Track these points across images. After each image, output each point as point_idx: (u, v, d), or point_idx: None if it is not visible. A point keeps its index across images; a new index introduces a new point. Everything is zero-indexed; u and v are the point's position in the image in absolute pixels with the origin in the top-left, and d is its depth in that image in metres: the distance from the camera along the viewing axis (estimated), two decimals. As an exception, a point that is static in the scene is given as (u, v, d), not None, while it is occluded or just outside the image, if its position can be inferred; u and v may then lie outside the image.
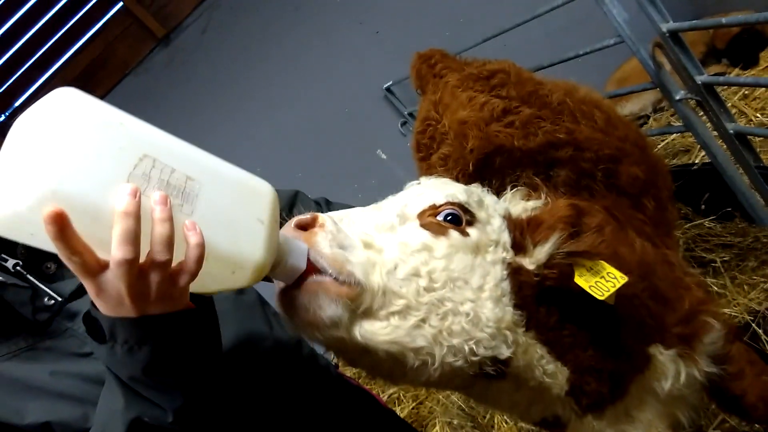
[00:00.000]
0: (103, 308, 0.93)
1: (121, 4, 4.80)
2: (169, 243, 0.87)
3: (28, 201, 0.79)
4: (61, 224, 0.79)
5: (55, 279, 1.39)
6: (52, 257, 1.36)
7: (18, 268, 1.33)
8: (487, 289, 1.21)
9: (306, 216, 1.14)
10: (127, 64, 4.90)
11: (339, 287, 1.09)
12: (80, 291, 1.37)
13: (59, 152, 0.81)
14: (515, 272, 1.27)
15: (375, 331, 1.12)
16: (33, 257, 1.36)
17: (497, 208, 1.38)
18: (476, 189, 1.42)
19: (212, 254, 0.93)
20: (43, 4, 4.73)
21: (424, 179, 1.43)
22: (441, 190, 1.33)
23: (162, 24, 4.85)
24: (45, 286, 1.35)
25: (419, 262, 1.16)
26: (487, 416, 3.24)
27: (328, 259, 1.10)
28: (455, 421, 3.34)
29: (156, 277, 0.90)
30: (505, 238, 1.30)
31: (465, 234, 1.24)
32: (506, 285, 1.24)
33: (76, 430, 1.26)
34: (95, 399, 1.22)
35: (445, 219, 1.26)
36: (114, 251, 0.84)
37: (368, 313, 1.12)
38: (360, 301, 1.10)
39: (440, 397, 3.69)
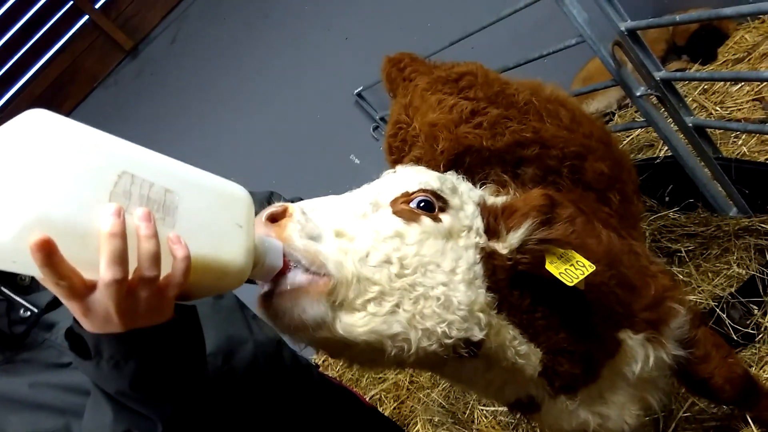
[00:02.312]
0: (89, 326, 0.92)
1: (86, 17, 4.75)
2: (156, 259, 0.87)
3: (12, 230, 0.76)
4: (48, 251, 0.77)
5: (30, 291, 1.37)
6: None
7: None
8: (460, 272, 1.23)
9: (276, 208, 1.16)
10: (96, 77, 4.83)
11: (316, 286, 1.11)
12: (56, 302, 1.36)
13: (38, 177, 0.79)
14: (489, 256, 1.30)
15: (353, 323, 1.14)
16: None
17: (471, 195, 1.41)
18: (450, 176, 1.44)
19: (197, 263, 0.93)
20: (6, 19, 4.65)
21: (399, 167, 1.45)
22: (415, 177, 1.35)
23: (129, 36, 4.80)
24: (20, 298, 1.34)
25: (391, 248, 1.19)
26: (467, 412, 3.28)
27: (300, 251, 1.12)
28: (436, 419, 3.37)
29: (144, 292, 0.90)
30: (478, 223, 1.33)
31: (437, 220, 1.27)
32: (479, 269, 1.27)
33: None
34: (76, 409, 1.21)
35: (417, 206, 1.28)
36: (103, 272, 0.84)
37: (345, 304, 1.14)
38: (336, 294, 1.13)
39: (421, 395, 3.73)
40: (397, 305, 1.17)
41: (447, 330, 1.20)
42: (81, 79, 4.82)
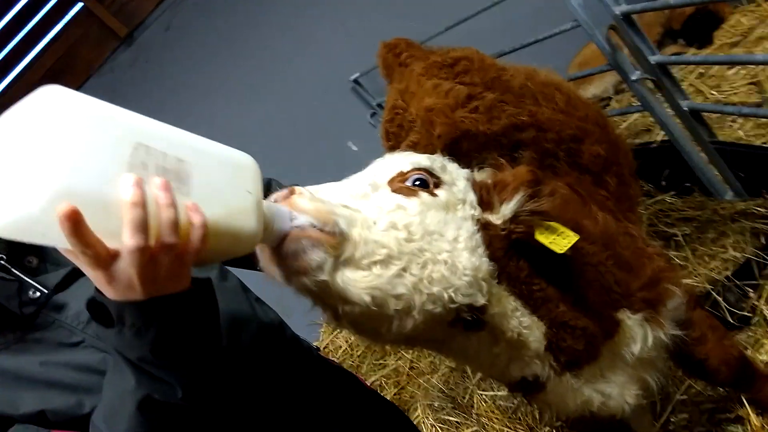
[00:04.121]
0: (112, 294, 0.96)
1: (81, 4, 4.73)
2: (175, 226, 0.92)
3: (40, 202, 0.80)
4: (75, 221, 0.82)
5: (38, 273, 1.40)
6: (34, 251, 1.39)
7: (2, 261, 1.34)
8: (462, 240, 1.28)
9: (282, 191, 1.20)
10: (91, 64, 4.84)
11: (321, 234, 1.14)
12: (65, 283, 1.39)
13: (60, 150, 0.83)
14: (484, 227, 1.35)
15: (357, 279, 1.17)
16: (14, 252, 1.37)
17: (460, 173, 1.45)
18: (438, 157, 1.49)
19: (212, 230, 0.98)
20: (-1, 8, 4.65)
21: (388, 154, 1.50)
22: (406, 159, 1.40)
23: (124, 23, 4.80)
24: (30, 279, 1.37)
25: (396, 217, 1.23)
26: (467, 396, 3.31)
27: (311, 212, 1.15)
28: (436, 404, 3.40)
29: (165, 259, 0.94)
30: (472, 197, 1.38)
31: (434, 195, 1.32)
32: (479, 238, 1.32)
33: (71, 417, 1.29)
34: (87, 386, 1.25)
35: (413, 183, 1.33)
36: (126, 240, 0.88)
37: (350, 262, 1.17)
38: (342, 250, 1.16)
39: (421, 381, 3.77)
40: (404, 269, 1.20)
41: (453, 295, 1.24)
42: (76, 67, 4.82)
